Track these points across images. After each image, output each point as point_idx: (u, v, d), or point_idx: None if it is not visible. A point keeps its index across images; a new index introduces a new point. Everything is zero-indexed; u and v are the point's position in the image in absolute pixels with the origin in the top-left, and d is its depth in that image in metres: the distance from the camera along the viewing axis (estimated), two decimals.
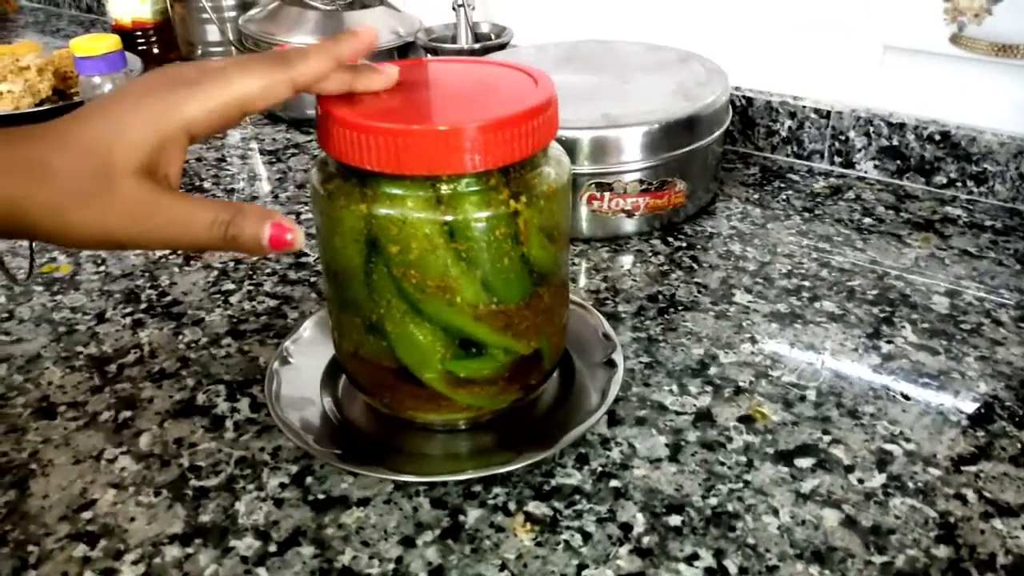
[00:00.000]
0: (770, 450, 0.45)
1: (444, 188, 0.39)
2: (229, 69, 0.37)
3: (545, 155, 0.43)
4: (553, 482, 0.43)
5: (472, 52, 0.87)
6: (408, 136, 0.37)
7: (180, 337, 0.56)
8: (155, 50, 1.17)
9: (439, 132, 0.38)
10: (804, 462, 0.44)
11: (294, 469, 0.45)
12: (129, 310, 0.60)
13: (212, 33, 1.07)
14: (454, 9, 0.90)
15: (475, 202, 0.40)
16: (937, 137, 0.73)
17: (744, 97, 0.82)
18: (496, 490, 0.43)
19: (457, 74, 0.45)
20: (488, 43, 0.89)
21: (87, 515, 0.42)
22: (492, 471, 0.42)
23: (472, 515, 0.41)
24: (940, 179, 0.75)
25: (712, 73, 0.72)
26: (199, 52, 1.08)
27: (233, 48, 1.06)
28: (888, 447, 0.45)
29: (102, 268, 0.65)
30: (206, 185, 0.80)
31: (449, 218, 0.39)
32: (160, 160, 0.36)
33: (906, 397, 0.49)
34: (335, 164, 0.41)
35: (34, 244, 0.43)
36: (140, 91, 0.36)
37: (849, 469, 0.44)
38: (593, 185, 0.65)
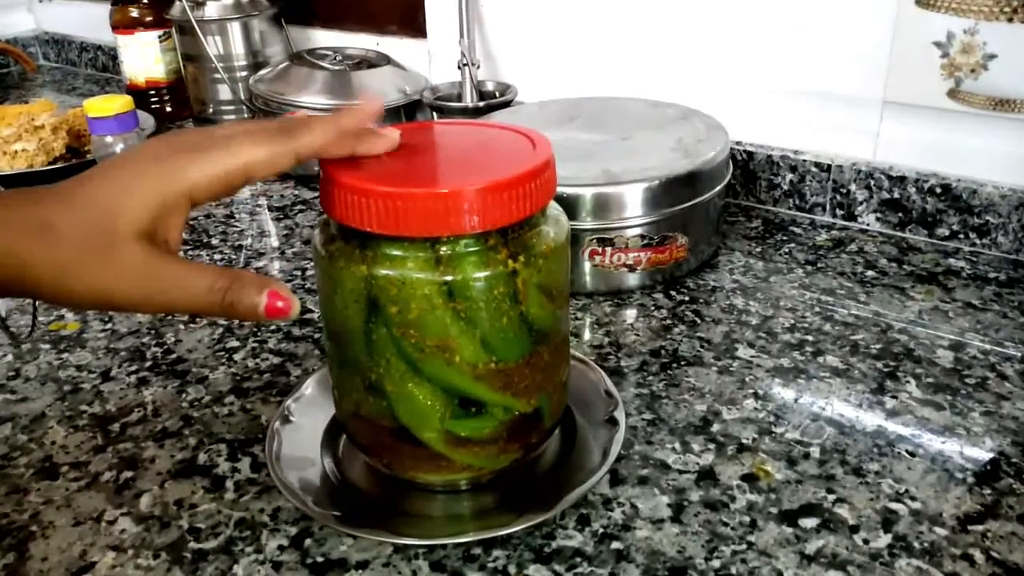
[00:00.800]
0: (774, 509, 0.45)
1: (444, 249, 0.40)
2: (236, 138, 0.38)
3: (543, 215, 0.44)
4: (554, 544, 0.43)
5: (476, 110, 0.89)
6: (408, 199, 0.38)
7: (184, 395, 0.57)
8: (168, 108, 1.20)
9: (439, 195, 0.38)
10: (808, 522, 0.44)
11: (293, 531, 0.44)
12: (134, 368, 0.60)
13: (224, 92, 1.09)
14: (459, 68, 0.92)
15: (474, 262, 0.40)
16: (938, 190, 0.74)
17: (745, 151, 0.83)
18: (496, 553, 0.42)
19: (457, 137, 0.46)
20: (492, 101, 0.90)
21: None
22: (492, 534, 0.42)
23: None
24: (943, 231, 0.75)
25: (712, 129, 0.73)
26: (211, 111, 1.11)
27: (244, 107, 1.08)
28: (893, 506, 0.45)
29: (108, 326, 0.66)
30: (214, 241, 0.81)
31: (448, 278, 0.40)
32: (161, 225, 0.37)
33: (911, 454, 0.49)
34: (336, 226, 0.42)
35: (38, 304, 0.44)
36: (145, 156, 0.37)
37: (854, 529, 0.43)
38: (595, 240, 0.66)
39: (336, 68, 0.96)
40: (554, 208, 0.45)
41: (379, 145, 0.42)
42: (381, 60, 1.00)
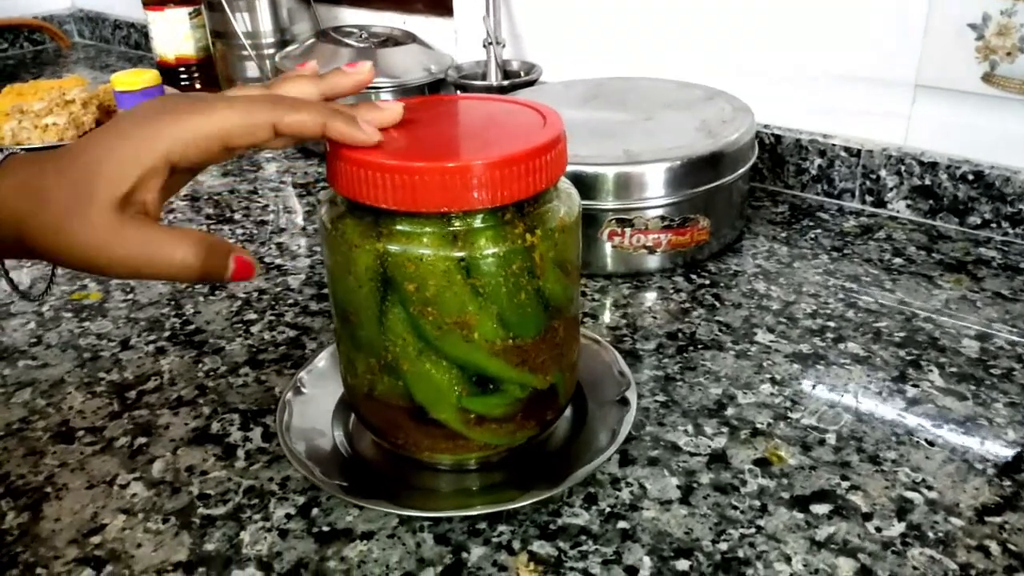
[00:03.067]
0: (785, 495, 0.44)
1: (459, 224, 0.39)
2: (217, 103, 0.37)
3: (556, 190, 0.43)
4: (560, 521, 0.43)
5: (500, 89, 0.88)
6: (424, 173, 0.38)
7: (200, 365, 0.57)
8: (197, 85, 1.21)
9: (455, 168, 0.38)
10: (820, 508, 0.43)
11: (301, 500, 0.44)
12: (153, 338, 0.61)
13: (251, 69, 1.10)
14: (484, 47, 0.92)
15: (491, 237, 0.40)
16: (970, 177, 0.72)
17: (773, 135, 0.82)
18: (501, 528, 0.42)
19: (468, 111, 0.46)
20: (516, 80, 0.90)
21: (96, 540, 0.43)
22: (497, 508, 0.42)
23: (475, 553, 0.41)
24: (974, 219, 0.73)
25: (738, 111, 0.72)
26: (238, 87, 1.11)
27: None
28: (909, 495, 0.44)
29: (130, 296, 0.66)
30: (237, 216, 0.81)
31: (465, 254, 0.39)
32: (141, 187, 0.37)
33: (930, 443, 0.47)
34: (346, 202, 0.41)
35: (56, 268, 0.45)
36: (129, 119, 0.38)
37: (867, 517, 0.42)
38: (614, 221, 0.65)
39: (362, 46, 0.95)
40: (565, 183, 0.44)
41: (356, 136, 0.39)
42: (407, 38, 0.99)
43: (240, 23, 1.05)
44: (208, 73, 1.20)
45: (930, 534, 0.41)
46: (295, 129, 0.38)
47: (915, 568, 0.39)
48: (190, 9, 1.17)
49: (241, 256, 0.39)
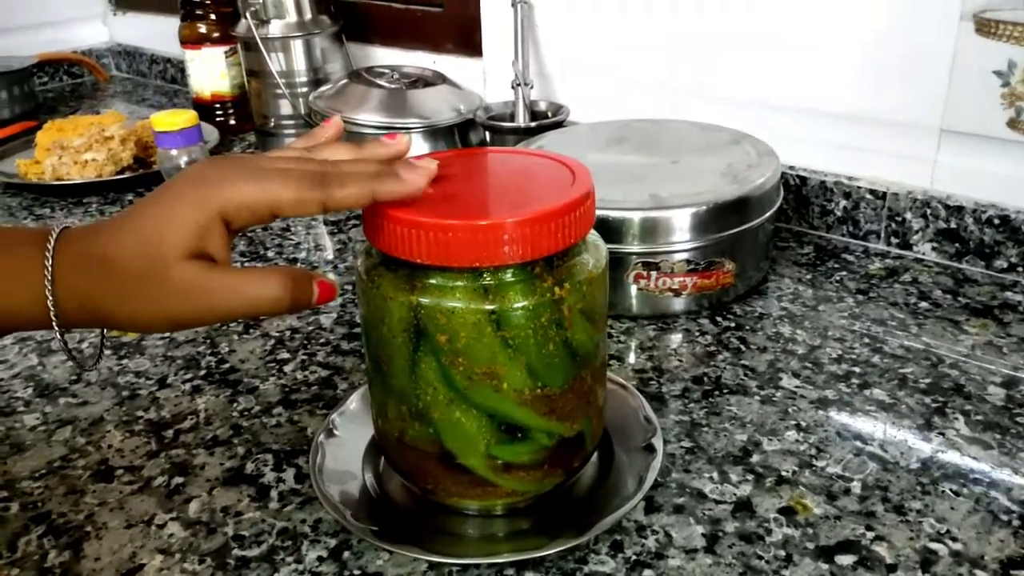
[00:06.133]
0: (810, 545, 0.44)
1: (489, 278, 0.41)
2: (271, 174, 0.39)
3: (584, 242, 0.44)
4: (586, 569, 0.43)
5: (528, 130, 0.90)
6: (457, 231, 0.39)
7: (235, 404, 0.59)
8: (232, 121, 1.24)
9: (486, 226, 0.39)
10: (845, 559, 0.43)
11: (333, 543, 0.46)
12: (189, 376, 0.62)
13: (285, 107, 1.12)
14: (513, 88, 0.93)
15: (520, 291, 0.41)
16: (996, 221, 0.72)
17: (798, 176, 0.83)
18: (528, 575, 0.43)
19: (499, 165, 0.47)
20: (544, 121, 0.91)
21: None
22: (525, 556, 0.43)
23: None
24: (1000, 263, 0.73)
25: (763, 155, 0.73)
26: (272, 124, 1.14)
27: (304, 122, 1.11)
28: (934, 546, 0.44)
29: (167, 335, 0.68)
30: (270, 254, 0.83)
31: (496, 307, 0.41)
32: (204, 243, 0.39)
33: (955, 493, 0.48)
34: (380, 255, 0.43)
35: (105, 332, 0.48)
36: (185, 181, 0.39)
37: (891, 568, 0.43)
38: (640, 264, 0.66)
39: (392, 87, 0.98)
40: (593, 235, 0.45)
41: (406, 189, 0.41)
42: (437, 79, 1.01)
43: (275, 62, 1.08)
44: (243, 110, 1.22)
45: None
46: (345, 204, 0.40)
47: None
48: (226, 48, 1.20)
49: (323, 280, 0.42)
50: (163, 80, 1.61)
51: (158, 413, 0.58)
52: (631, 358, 0.63)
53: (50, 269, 0.39)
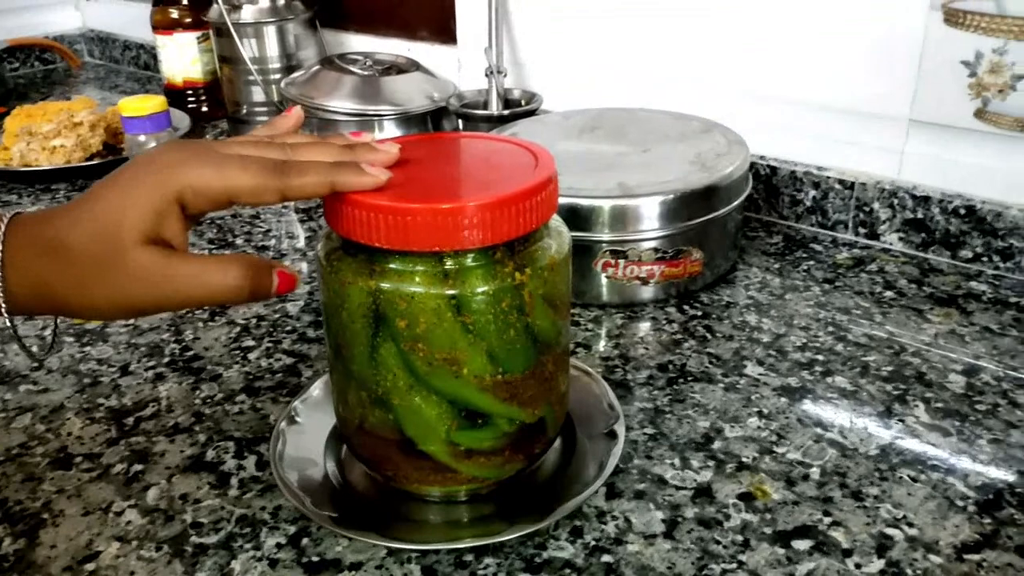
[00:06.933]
0: (768, 530, 0.45)
1: (450, 263, 0.40)
2: (230, 161, 0.39)
3: (547, 228, 0.44)
4: (545, 554, 0.43)
5: (501, 118, 0.90)
6: (416, 215, 0.39)
7: (197, 392, 0.58)
8: (204, 108, 1.23)
9: (446, 210, 0.39)
10: (802, 544, 0.44)
11: (292, 530, 0.45)
12: (152, 363, 0.62)
13: (257, 94, 1.11)
14: (487, 76, 0.93)
15: (481, 275, 0.41)
16: (962, 211, 0.73)
17: (769, 166, 0.83)
18: (487, 560, 0.43)
19: (462, 150, 0.47)
20: (517, 109, 0.91)
21: (90, 567, 0.43)
22: (484, 541, 0.43)
23: None
24: (966, 253, 0.74)
25: (733, 144, 0.73)
26: (244, 111, 1.13)
27: (277, 109, 1.10)
28: (890, 531, 0.44)
29: (131, 322, 0.68)
30: (239, 241, 0.83)
31: (456, 292, 0.40)
32: (162, 229, 0.38)
33: (913, 479, 0.48)
34: (340, 239, 0.42)
35: (58, 321, 0.47)
36: (141, 166, 0.39)
37: (847, 553, 0.43)
38: (608, 252, 0.66)
39: (366, 73, 0.97)
40: (556, 220, 0.45)
41: (365, 182, 0.40)
42: (410, 66, 1.01)
43: (247, 48, 1.07)
44: (215, 97, 1.21)
45: (909, 571, 0.42)
46: (303, 194, 0.40)
47: None
48: (198, 34, 1.19)
49: (283, 270, 0.41)
50: (136, 66, 1.59)
51: (119, 400, 0.57)
52: (599, 346, 0.63)
53: (0, 254, 0.39)
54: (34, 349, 0.60)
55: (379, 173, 0.40)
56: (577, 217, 0.65)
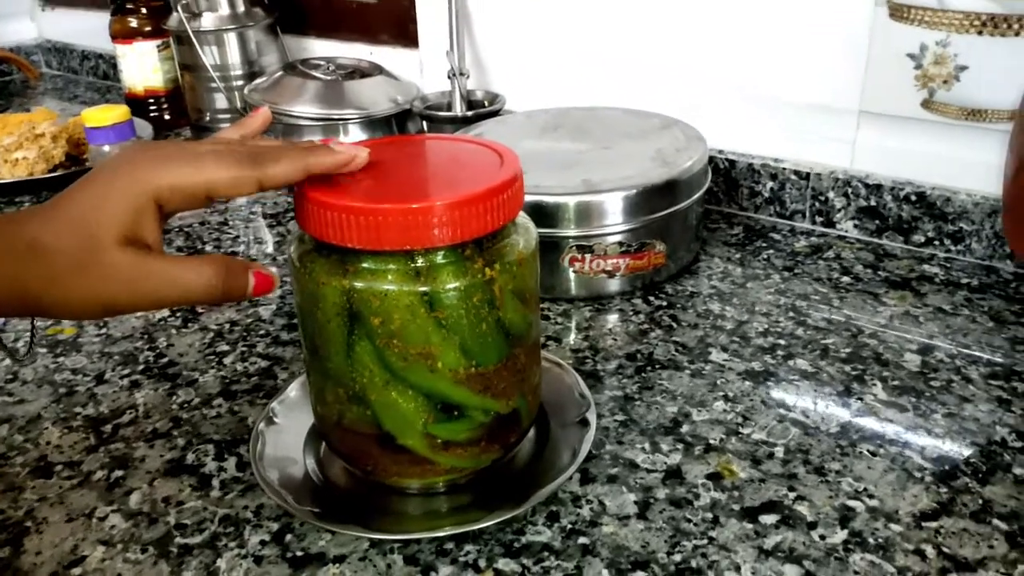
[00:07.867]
0: (736, 507, 0.47)
1: (421, 261, 0.42)
2: (205, 156, 0.39)
3: (514, 224, 0.46)
4: (523, 539, 0.45)
5: (465, 119, 0.91)
6: (388, 214, 0.40)
7: (174, 397, 0.59)
8: (166, 116, 1.22)
9: (416, 209, 0.40)
10: (768, 519, 0.46)
11: (275, 527, 0.46)
12: (127, 371, 0.62)
13: (220, 101, 1.11)
14: (449, 78, 0.94)
15: (452, 272, 0.42)
16: (913, 197, 0.76)
17: (727, 159, 0.85)
18: (468, 547, 0.44)
19: (429, 152, 0.48)
20: (480, 110, 0.92)
21: (76, 571, 0.44)
22: (463, 529, 0.44)
23: (443, 572, 0.43)
24: (918, 237, 0.77)
25: (692, 139, 0.75)
26: (207, 119, 1.13)
27: (240, 116, 1.10)
28: (852, 503, 0.47)
29: (104, 330, 0.68)
30: (208, 248, 0.83)
31: (428, 288, 0.42)
32: (138, 228, 0.39)
33: (872, 454, 0.50)
34: (312, 240, 0.44)
35: (36, 322, 0.47)
36: (117, 164, 0.39)
37: (812, 525, 0.45)
38: (575, 247, 0.68)
39: (328, 78, 0.98)
40: (523, 217, 0.47)
41: (339, 160, 0.42)
42: (373, 70, 1.02)
43: (208, 56, 1.07)
44: (177, 105, 1.21)
45: (871, 540, 0.44)
46: (279, 181, 0.40)
47: (856, 573, 0.42)
48: (159, 42, 1.18)
49: (260, 271, 0.42)
50: (95, 76, 1.58)
51: (96, 409, 0.58)
52: (569, 338, 0.65)
53: None
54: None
55: (351, 149, 0.41)
56: (543, 214, 0.67)
